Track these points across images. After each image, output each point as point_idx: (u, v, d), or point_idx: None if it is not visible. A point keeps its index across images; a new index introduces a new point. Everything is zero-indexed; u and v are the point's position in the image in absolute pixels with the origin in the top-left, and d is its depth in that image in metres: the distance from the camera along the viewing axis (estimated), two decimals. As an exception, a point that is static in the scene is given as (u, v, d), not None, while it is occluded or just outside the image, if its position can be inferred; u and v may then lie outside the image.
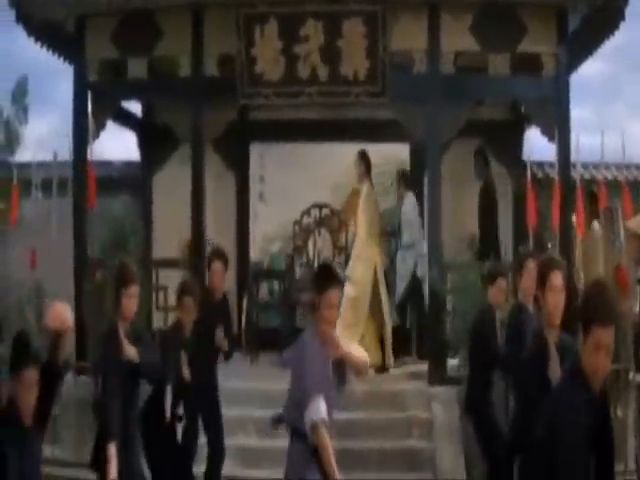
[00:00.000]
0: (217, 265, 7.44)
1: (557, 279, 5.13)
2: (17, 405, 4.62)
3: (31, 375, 4.59)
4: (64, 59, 10.31)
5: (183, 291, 6.99)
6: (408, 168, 11.42)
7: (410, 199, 10.45)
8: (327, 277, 4.70)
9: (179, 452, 6.95)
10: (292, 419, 4.74)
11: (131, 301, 5.77)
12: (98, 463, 5.67)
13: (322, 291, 4.65)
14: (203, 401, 7.22)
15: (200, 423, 7.28)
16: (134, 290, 5.78)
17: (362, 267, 9.83)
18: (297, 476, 4.69)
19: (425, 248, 9.67)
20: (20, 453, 4.57)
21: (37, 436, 4.78)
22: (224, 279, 7.57)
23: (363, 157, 10.20)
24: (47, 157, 9.75)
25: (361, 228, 9.97)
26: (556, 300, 5.11)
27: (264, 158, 11.74)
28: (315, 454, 4.61)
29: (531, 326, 5.67)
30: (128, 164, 12.67)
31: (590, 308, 4.07)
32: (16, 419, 4.61)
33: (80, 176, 9.51)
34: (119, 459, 5.56)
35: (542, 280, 5.15)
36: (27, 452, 4.62)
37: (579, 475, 3.96)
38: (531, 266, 6.18)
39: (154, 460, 6.68)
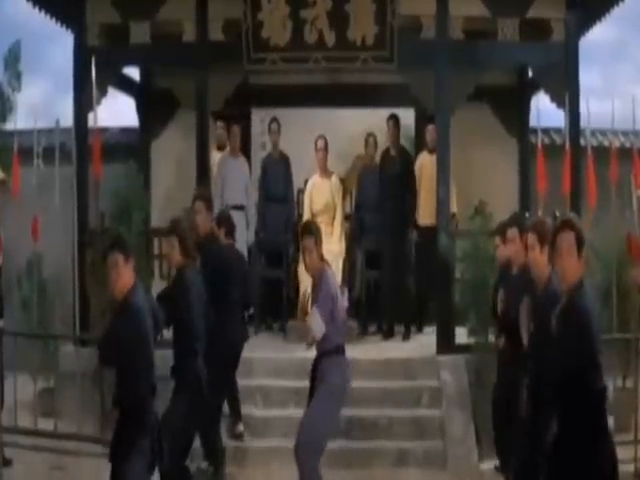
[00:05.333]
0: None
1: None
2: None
3: (113, 258, 5.29)
4: (63, 24, 10.05)
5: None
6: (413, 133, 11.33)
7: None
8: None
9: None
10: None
11: None
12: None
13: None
14: None
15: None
16: None
17: None
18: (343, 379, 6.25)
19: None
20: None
21: None
22: None
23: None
24: (43, 124, 9.53)
25: None
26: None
27: (266, 123, 11.52)
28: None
29: None
30: (124, 130, 12.42)
31: None
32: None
33: (82, 144, 9.36)
34: None
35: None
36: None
37: None
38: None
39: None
